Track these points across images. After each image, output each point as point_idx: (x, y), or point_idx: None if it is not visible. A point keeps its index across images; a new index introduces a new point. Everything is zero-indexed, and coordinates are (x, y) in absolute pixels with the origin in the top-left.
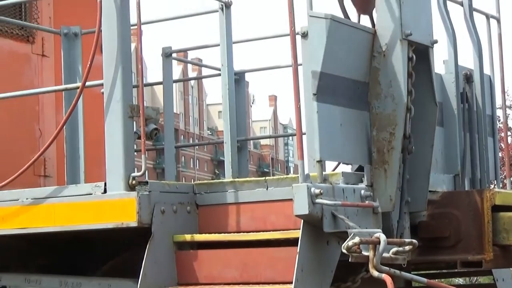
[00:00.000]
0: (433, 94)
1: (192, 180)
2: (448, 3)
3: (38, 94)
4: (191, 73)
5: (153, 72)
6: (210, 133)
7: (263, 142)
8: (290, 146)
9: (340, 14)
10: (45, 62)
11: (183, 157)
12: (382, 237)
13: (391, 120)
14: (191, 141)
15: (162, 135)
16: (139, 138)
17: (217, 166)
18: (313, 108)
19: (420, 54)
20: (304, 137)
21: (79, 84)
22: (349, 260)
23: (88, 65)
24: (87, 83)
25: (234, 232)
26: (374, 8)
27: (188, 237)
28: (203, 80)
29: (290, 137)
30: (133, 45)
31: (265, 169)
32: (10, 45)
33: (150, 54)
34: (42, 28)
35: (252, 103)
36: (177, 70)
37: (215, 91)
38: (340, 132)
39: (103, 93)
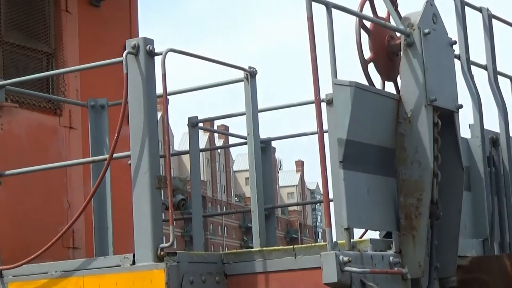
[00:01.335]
0: (459, 159)
1: (221, 248)
2: (472, 67)
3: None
4: (218, 140)
5: (180, 139)
6: (238, 200)
7: (290, 208)
8: (318, 211)
9: (364, 81)
10: (73, 134)
11: (211, 224)
12: None
13: (418, 186)
14: (218, 208)
15: (190, 203)
16: (167, 209)
17: (245, 233)
18: (340, 176)
19: (446, 119)
20: (331, 204)
21: (106, 156)
22: None
23: (115, 137)
24: (115, 155)
25: None
26: (399, 75)
27: None
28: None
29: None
30: (159, 114)
31: (293, 235)
32: (38, 118)
33: (176, 122)
34: (69, 101)
35: (279, 169)
36: (203, 138)
37: (242, 158)
38: (367, 199)
39: (130, 164)
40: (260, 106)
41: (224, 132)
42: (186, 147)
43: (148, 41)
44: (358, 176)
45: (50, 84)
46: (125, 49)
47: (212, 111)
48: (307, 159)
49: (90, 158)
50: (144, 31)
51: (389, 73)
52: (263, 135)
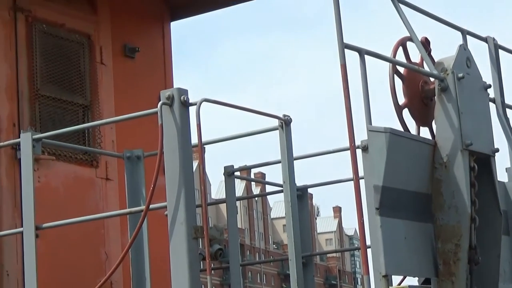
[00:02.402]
0: (497, 203)
1: None
2: (508, 110)
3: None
4: (255, 188)
5: (217, 187)
6: (276, 247)
7: (329, 254)
8: (357, 257)
9: (399, 127)
10: (109, 186)
11: (249, 272)
12: None
13: (456, 232)
14: (257, 256)
15: (228, 252)
16: (204, 259)
17: (283, 280)
18: (377, 223)
19: (482, 163)
20: (369, 250)
21: (143, 207)
22: None
23: (151, 189)
24: (151, 206)
25: None
26: (433, 120)
27: None
28: None
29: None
30: (195, 162)
31: (332, 282)
32: (75, 170)
33: (213, 169)
34: (106, 152)
35: (317, 215)
36: (240, 186)
37: (279, 205)
38: (405, 245)
39: (167, 215)
40: (295, 152)
41: (260, 180)
42: (223, 194)
43: (183, 92)
44: (395, 222)
45: (86, 136)
46: (159, 100)
47: (248, 158)
48: (344, 204)
49: (127, 210)
50: (178, 81)
51: (423, 118)
52: (299, 182)
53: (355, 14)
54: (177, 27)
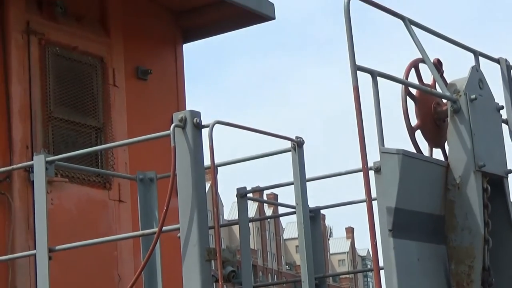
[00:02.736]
0: (510, 224)
1: None
2: None
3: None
4: (267, 209)
5: (229, 208)
6: (289, 268)
7: (342, 275)
8: (369, 278)
9: (412, 148)
10: (122, 207)
11: None
12: None
13: (469, 253)
14: (269, 277)
15: (240, 273)
16: (217, 281)
17: None
18: (390, 244)
19: (495, 185)
20: (382, 272)
21: (155, 229)
22: None
23: (164, 211)
24: (164, 228)
25: None
26: (446, 141)
27: None
28: None
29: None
30: (208, 184)
31: None
32: (88, 192)
33: (225, 190)
34: (118, 174)
35: (330, 236)
36: (253, 206)
37: (292, 226)
38: (418, 267)
39: (179, 237)
40: (308, 174)
41: (273, 202)
42: (235, 215)
43: (195, 114)
44: (408, 244)
45: (99, 158)
46: (172, 122)
47: (261, 179)
48: (357, 225)
49: (140, 232)
50: (191, 103)
51: (436, 140)
52: (312, 203)
53: (367, 35)
54: (189, 49)
